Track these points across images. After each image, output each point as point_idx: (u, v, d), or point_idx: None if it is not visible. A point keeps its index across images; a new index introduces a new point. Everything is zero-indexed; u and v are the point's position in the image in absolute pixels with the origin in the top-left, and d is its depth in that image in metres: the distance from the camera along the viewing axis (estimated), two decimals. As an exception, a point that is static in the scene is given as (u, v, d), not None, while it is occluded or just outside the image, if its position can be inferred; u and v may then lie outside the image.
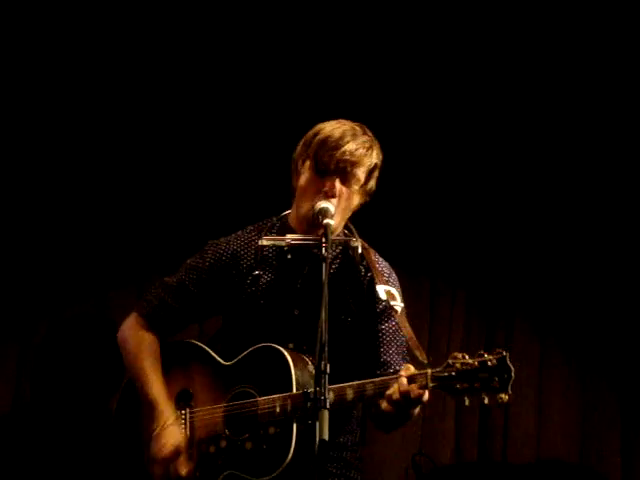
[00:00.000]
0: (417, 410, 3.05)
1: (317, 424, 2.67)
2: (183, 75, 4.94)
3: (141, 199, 5.00)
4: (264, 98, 4.97)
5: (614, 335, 5.38)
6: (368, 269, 3.27)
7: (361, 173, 3.22)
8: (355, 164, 3.19)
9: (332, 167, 3.18)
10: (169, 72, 4.92)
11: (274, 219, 3.39)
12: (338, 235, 3.23)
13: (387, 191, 5.00)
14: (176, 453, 3.16)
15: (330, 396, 2.95)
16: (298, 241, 3.24)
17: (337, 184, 3.18)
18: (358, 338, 3.25)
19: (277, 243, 3.26)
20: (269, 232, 3.32)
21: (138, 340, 3.34)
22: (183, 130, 5.00)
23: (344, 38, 4.91)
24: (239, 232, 3.40)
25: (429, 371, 2.95)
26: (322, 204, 3.15)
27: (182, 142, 5.01)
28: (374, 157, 3.25)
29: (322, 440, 2.64)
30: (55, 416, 4.63)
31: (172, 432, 3.18)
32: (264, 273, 3.28)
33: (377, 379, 3.07)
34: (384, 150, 3.35)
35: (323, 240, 3.03)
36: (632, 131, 5.18)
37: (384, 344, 3.26)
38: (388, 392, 2.97)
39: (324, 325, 2.75)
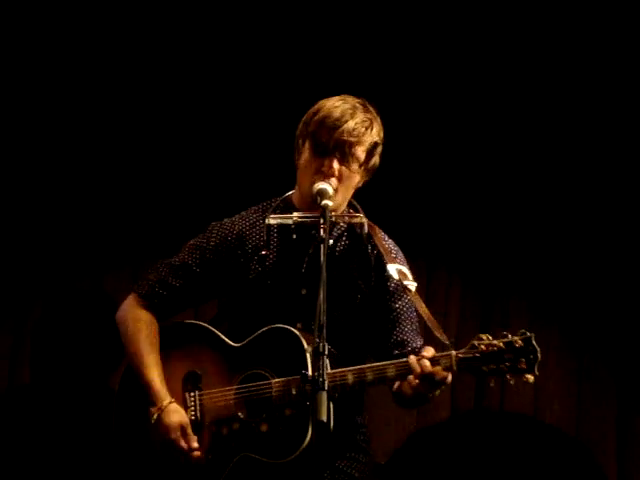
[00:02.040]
0: (438, 392, 3.04)
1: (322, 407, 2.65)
2: (178, 57, 4.91)
3: (138, 183, 4.98)
4: (265, 76, 4.93)
5: (608, 311, 5.39)
6: (375, 246, 3.27)
7: (360, 152, 3.20)
8: (353, 144, 3.17)
9: (330, 147, 3.16)
10: (162, 57, 4.90)
11: (277, 199, 3.38)
12: (342, 213, 3.21)
13: (385, 174, 5.01)
14: (183, 431, 3.13)
15: (349, 378, 2.96)
16: (304, 219, 3.21)
17: (335, 164, 3.16)
18: (370, 317, 3.24)
19: (284, 221, 3.25)
20: (274, 212, 3.30)
21: (135, 321, 3.30)
22: (181, 113, 4.97)
23: (350, 27, 4.90)
24: (243, 213, 3.39)
25: (453, 352, 2.95)
26: (320, 185, 3.14)
27: (181, 126, 4.98)
28: (374, 135, 3.22)
29: (320, 422, 2.63)
30: (55, 396, 4.62)
31: (172, 412, 3.16)
32: (270, 253, 3.27)
33: (398, 361, 3.05)
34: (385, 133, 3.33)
35: (321, 221, 3.02)
36: (621, 116, 5.19)
37: (399, 323, 3.25)
38: (411, 375, 2.97)
39: (322, 306, 2.75)
